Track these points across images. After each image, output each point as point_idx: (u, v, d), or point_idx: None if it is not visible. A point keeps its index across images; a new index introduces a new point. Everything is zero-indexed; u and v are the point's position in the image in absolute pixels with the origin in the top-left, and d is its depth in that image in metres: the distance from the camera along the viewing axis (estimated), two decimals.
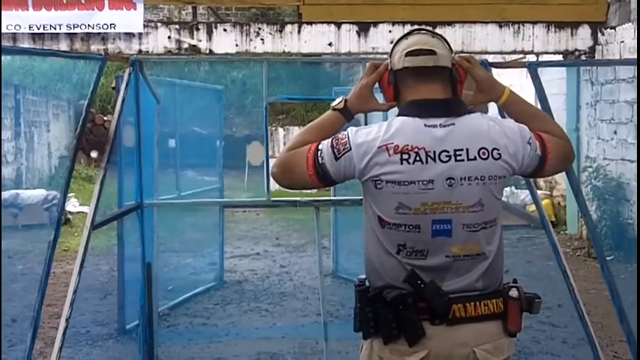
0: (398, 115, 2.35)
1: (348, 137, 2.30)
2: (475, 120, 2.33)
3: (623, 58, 9.04)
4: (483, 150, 2.27)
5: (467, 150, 2.26)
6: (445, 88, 2.36)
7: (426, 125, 2.28)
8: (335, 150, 2.30)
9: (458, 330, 2.28)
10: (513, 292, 2.34)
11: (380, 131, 2.29)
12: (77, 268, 4.02)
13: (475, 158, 2.25)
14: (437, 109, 2.30)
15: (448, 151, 2.25)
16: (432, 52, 2.33)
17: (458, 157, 2.25)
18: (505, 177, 2.31)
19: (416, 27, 2.49)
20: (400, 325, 2.27)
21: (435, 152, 2.24)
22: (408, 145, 2.24)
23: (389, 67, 2.42)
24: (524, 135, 2.35)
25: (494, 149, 2.28)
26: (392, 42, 8.38)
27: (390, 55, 2.42)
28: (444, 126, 2.28)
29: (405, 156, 2.23)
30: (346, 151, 2.29)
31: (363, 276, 2.40)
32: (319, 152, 2.32)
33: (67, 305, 3.89)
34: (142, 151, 4.84)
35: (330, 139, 2.34)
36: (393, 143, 2.25)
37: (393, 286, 2.30)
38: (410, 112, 2.33)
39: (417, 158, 2.23)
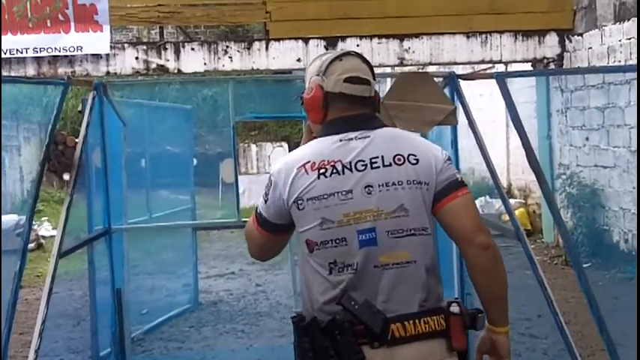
0: (318, 137, 2.42)
1: (270, 176, 2.37)
2: (390, 131, 2.42)
3: (590, 66, 9.11)
4: (399, 156, 2.30)
5: (382, 157, 2.29)
6: (366, 110, 2.43)
7: (341, 140, 2.33)
8: (264, 196, 2.37)
9: (399, 351, 2.22)
10: (454, 308, 2.29)
11: (297, 156, 2.36)
12: (45, 297, 3.93)
13: (390, 164, 2.29)
14: (351, 123, 2.36)
15: (364, 160, 2.29)
16: (367, 83, 2.40)
17: (374, 165, 2.28)
18: (428, 183, 2.30)
19: (347, 50, 2.54)
20: (338, 352, 2.21)
21: (350, 163, 2.28)
22: (324, 161, 2.29)
23: (322, 88, 2.39)
24: (442, 153, 2.38)
25: (410, 155, 2.31)
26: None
27: (324, 74, 2.40)
28: (360, 138, 2.32)
29: (322, 170, 2.28)
30: (270, 188, 2.35)
31: (300, 310, 2.39)
32: (257, 208, 2.40)
33: (36, 336, 3.80)
34: (109, 175, 4.77)
35: None
36: (309, 162, 2.30)
37: (327, 312, 2.26)
38: (327, 131, 2.38)
39: (334, 171, 2.28)
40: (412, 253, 2.26)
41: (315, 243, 2.27)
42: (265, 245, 2.44)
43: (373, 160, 2.28)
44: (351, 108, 2.38)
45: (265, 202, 2.35)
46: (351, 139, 2.32)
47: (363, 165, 2.28)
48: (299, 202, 2.27)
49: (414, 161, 2.30)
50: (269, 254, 2.50)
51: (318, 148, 2.34)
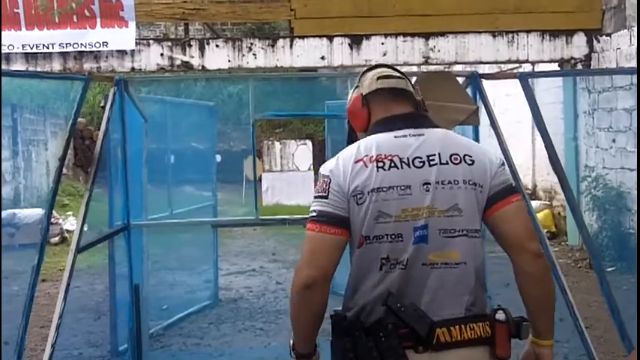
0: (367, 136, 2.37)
1: (323, 175, 2.29)
2: (444, 131, 2.37)
3: (618, 67, 8.98)
4: (455, 155, 2.26)
5: (439, 155, 2.26)
6: (413, 108, 2.41)
7: (395, 137, 2.29)
8: (321, 194, 2.25)
9: (443, 356, 2.17)
10: (500, 315, 2.24)
11: (352, 151, 2.30)
12: (62, 292, 3.95)
13: (447, 162, 2.25)
14: (404, 121, 2.34)
15: (421, 157, 2.25)
16: (401, 77, 2.44)
17: (431, 162, 2.24)
18: (482, 186, 2.25)
19: (379, 63, 2.60)
20: (381, 355, 2.15)
21: (408, 159, 2.24)
22: (381, 154, 2.24)
23: (361, 93, 2.43)
24: (497, 157, 2.35)
25: (466, 155, 2.28)
26: (384, 54, 8.29)
27: (359, 82, 2.47)
28: (413, 135, 2.30)
29: (380, 164, 2.23)
30: (328, 184, 2.25)
31: (338, 308, 2.31)
32: (313, 213, 2.25)
33: (53, 330, 3.82)
34: (129, 171, 4.77)
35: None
36: (366, 155, 2.25)
37: (372, 312, 2.20)
38: (378, 128, 2.35)
39: (392, 164, 2.23)
40: (463, 255, 2.22)
41: (367, 237, 2.21)
42: (328, 247, 2.21)
43: (430, 158, 2.25)
44: (395, 102, 2.38)
45: (326, 197, 2.23)
46: (405, 135, 2.29)
47: (420, 162, 2.24)
48: (358, 195, 2.20)
49: (470, 162, 2.26)
50: (332, 259, 2.21)
51: (373, 142, 2.29)
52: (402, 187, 2.20)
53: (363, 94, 2.42)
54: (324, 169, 2.30)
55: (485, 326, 2.23)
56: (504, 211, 2.25)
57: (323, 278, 2.20)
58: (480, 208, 2.26)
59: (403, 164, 2.23)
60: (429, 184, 2.21)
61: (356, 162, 2.24)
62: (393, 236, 2.19)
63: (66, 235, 11.94)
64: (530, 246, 2.23)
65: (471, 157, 2.27)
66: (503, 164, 2.33)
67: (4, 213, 12.04)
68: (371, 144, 2.28)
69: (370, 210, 2.20)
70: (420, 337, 2.15)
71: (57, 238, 11.88)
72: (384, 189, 2.20)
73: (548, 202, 11.78)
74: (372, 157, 2.24)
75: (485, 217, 2.27)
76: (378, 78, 2.41)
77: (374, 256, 2.21)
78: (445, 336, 2.17)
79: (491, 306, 2.35)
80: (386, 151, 2.25)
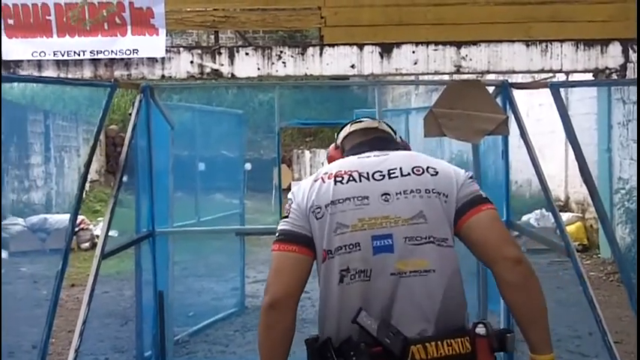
0: None
1: (287, 199, 2.34)
2: (410, 152, 2.45)
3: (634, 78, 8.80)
4: (417, 167, 2.28)
5: (400, 168, 2.28)
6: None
7: (359, 157, 2.36)
8: (284, 216, 2.31)
9: None
10: (480, 329, 2.17)
11: (314, 174, 2.38)
12: (86, 298, 3.96)
13: (409, 174, 2.26)
14: (369, 146, 2.41)
15: (381, 171, 2.27)
16: (374, 120, 2.60)
17: (391, 175, 2.26)
18: (447, 195, 2.22)
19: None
20: None
21: (368, 173, 2.27)
22: (341, 171, 2.30)
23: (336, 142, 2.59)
24: (464, 171, 2.35)
25: (429, 167, 2.28)
26: (415, 63, 8.13)
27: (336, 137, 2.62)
28: (377, 156, 2.35)
29: (339, 179, 2.27)
30: (290, 204, 2.30)
31: (314, 334, 2.29)
32: (276, 234, 2.29)
33: (76, 336, 3.83)
34: (156, 178, 4.78)
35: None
36: (326, 174, 2.31)
37: (343, 331, 2.16)
38: (345, 155, 2.46)
39: (351, 179, 2.26)
40: (431, 262, 2.18)
41: (329, 251, 2.20)
42: (291, 265, 2.20)
43: (391, 171, 2.26)
44: (365, 136, 2.47)
45: (287, 217, 2.29)
46: (369, 156, 2.35)
47: (380, 175, 2.26)
48: (317, 210, 2.23)
49: (434, 172, 2.27)
50: (297, 277, 2.20)
51: (335, 164, 2.37)
52: (359, 198, 2.22)
53: (338, 142, 2.55)
54: (290, 194, 2.36)
55: (465, 342, 2.15)
56: (474, 219, 2.22)
57: (287, 298, 2.19)
58: (449, 219, 2.22)
59: (362, 178, 2.26)
60: (389, 194, 2.23)
61: (315, 181, 2.30)
62: (350, 246, 2.18)
63: (96, 240, 12.03)
64: (507, 252, 2.17)
65: (434, 168, 2.28)
66: (471, 177, 2.31)
67: (35, 218, 12.24)
68: (333, 165, 2.36)
69: (328, 223, 2.20)
70: (394, 355, 2.08)
71: (87, 244, 12.01)
72: (341, 200, 2.22)
73: (580, 215, 11.59)
74: (332, 174, 2.28)
75: (457, 230, 2.23)
76: (352, 124, 2.56)
77: (335, 269, 2.19)
78: (420, 353, 2.10)
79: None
80: (346, 168, 2.30)
